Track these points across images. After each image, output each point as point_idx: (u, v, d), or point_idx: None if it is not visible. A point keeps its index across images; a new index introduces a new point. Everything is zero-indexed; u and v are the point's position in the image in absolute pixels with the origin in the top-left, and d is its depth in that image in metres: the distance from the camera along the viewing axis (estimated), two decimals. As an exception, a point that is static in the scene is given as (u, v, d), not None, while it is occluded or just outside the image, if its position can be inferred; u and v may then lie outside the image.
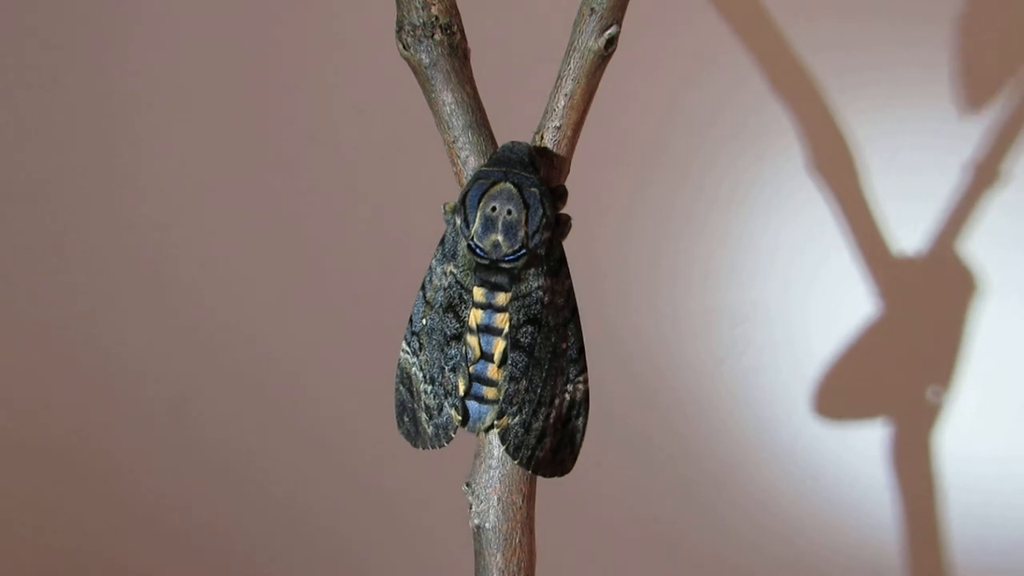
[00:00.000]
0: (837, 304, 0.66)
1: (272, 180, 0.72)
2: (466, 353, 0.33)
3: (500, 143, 0.36)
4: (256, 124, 0.72)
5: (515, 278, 0.33)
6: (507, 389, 0.33)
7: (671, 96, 0.67)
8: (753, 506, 0.68)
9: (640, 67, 0.65)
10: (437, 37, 0.35)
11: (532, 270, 0.33)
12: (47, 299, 0.75)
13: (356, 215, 0.72)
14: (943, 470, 0.65)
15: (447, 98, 0.35)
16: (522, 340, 0.33)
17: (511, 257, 0.32)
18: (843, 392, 0.66)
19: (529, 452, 0.34)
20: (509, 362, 0.33)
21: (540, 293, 0.33)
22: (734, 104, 0.66)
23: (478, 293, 0.33)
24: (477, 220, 0.32)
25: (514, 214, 0.32)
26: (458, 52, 0.35)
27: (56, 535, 0.77)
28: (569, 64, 0.34)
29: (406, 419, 0.36)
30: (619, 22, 0.34)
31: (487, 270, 0.33)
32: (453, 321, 0.34)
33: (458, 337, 0.34)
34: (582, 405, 0.35)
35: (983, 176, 0.62)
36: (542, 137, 0.35)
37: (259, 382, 0.74)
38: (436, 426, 0.35)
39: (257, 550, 0.75)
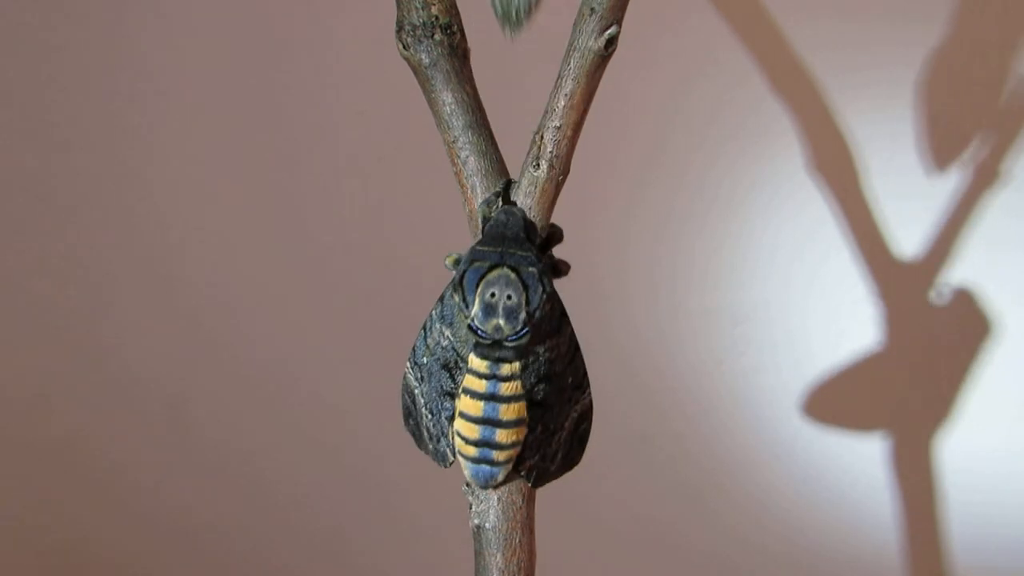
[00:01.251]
0: (837, 304, 0.66)
1: (272, 180, 0.72)
2: (459, 412, 0.33)
3: (500, 143, 0.36)
4: (256, 124, 0.72)
5: (520, 350, 0.32)
6: (527, 439, 0.33)
7: (671, 96, 0.67)
8: (753, 506, 0.68)
9: (640, 67, 0.65)
10: (437, 37, 0.35)
11: (535, 337, 0.32)
12: (46, 297, 0.75)
13: (356, 215, 0.72)
14: (943, 470, 0.65)
15: (447, 98, 0.35)
16: (536, 398, 0.33)
17: (514, 338, 0.32)
18: (842, 393, 0.66)
19: (544, 476, 0.34)
20: (528, 417, 0.33)
21: (547, 355, 0.33)
22: (734, 104, 0.66)
23: (480, 365, 0.32)
24: (476, 305, 0.32)
25: (514, 299, 0.31)
26: (458, 52, 0.35)
27: (56, 534, 0.77)
28: (569, 64, 0.34)
29: (411, 422, 0.36)
30: (619, 22, 0.34)
31: (490, 347, 0.32)
32: (449, 380, 0.34)
33: (452, 395, 0.33)
34: (588, 412, 0.35)
35: (983, 176, 0.62)
36: (542, 137, 0.35)
37: (258, 383, 0.74)
38: (436, 450, 0.35)
39: (256, 549, 0.75)
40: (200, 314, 0.74)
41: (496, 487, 0.34)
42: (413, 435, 0.36)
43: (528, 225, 0.33)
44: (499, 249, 0.32)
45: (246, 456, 0.75)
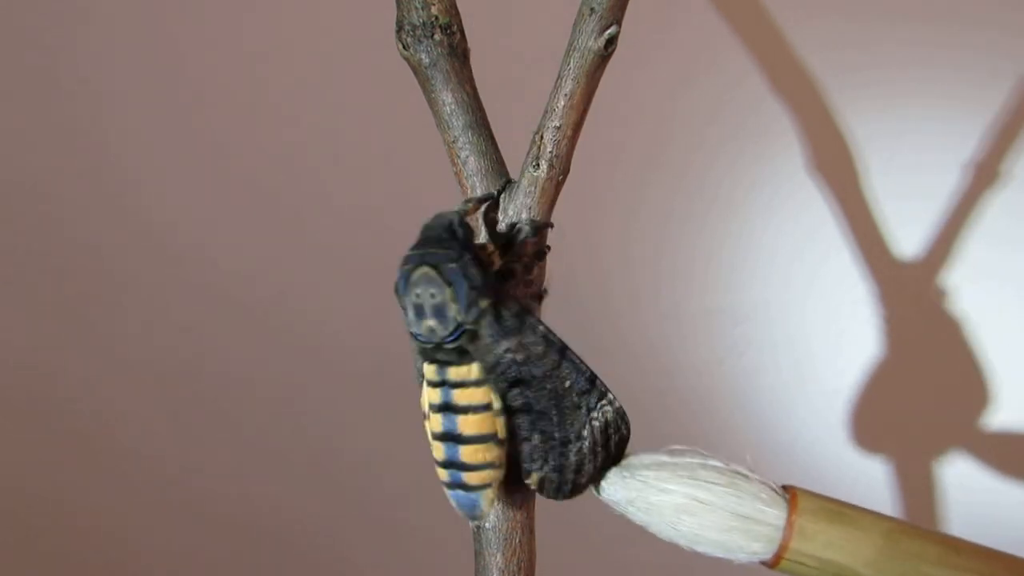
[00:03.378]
0: (837, 304, 0.66)
1: (271, 180, 0.72)
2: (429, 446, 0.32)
3: (500, 143, 0.36)
4: (256, 123, 0.72)
5: (466, 352, 0.31)
6: (523, 451, 0.32)
7: (670, 96, 0.67)
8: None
9: (640, 67, 0.65)
10: (437, 37, 0.35)
11: (488, 339, 0.31)
12: (54, 285, 0.75)
13: (355, 216, 0.72)
14: (944, 472, 0.65)
15: (447, 98, 0.35)
16: (515, 404, 0.32)
17: (450, 339, 0.31)
18: (857, 404, 0.66)
19: (570, 487, 0.33)
20: (516, 426, 0.32)
21: (510, 356, 0.32)
22: (734, 104, 0.66)
23: (429, 371, 0.32)
24: (409, 309, 0.31)
25: (438, 296, 0.30)
26: (458, 52, 0.35)
27: (63, 521, 0.77)
28: (569, 64, 0.34)
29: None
30: (619, 22, 0.34)
31: (434, 351, 0.32)
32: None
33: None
34: (618, 422, 0.34)
35: (983, 176, 0.62)
36: (542, 137, 0.35)
37: (258, 385, 0.74)
38: None
39: (256, 550, 0.75)
40: (200, 316, 0.74)
41: (482, 518, 0.33)
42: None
43: (452, 224, 0.32)
44: (420, 251, 0.31)
45: (245, 456, 0.75)
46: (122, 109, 0.73)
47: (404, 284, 0.31)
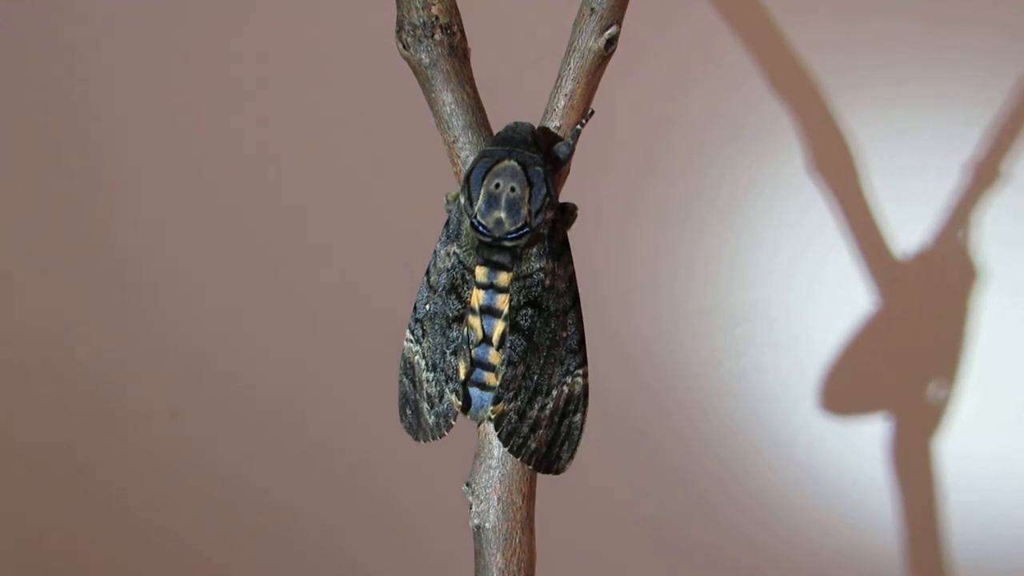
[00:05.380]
0: (837, 304, 0.66)
1: (269, 181, 0.72)
2: (468, 335, 0.34)
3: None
4: (254, 124, 0.72)
5: (517, 257, 0.33)
6: (504, 373, 0.33)
7: (670, 96, 0.67)
8: (754, 506, 0.68)
9: (639, 67, 0.65)
10: (437, 37, 0.35)
11: (534, 251, 0.33)
12: (27, 318, 0.75)
13: (354, 216, 0.72)
14: (943, 470, 0.65)
15: (447, 98, 0.35)
16: (522, 322, 0.33)
17: (513, 235, 0.32)
18: (844, 391, 0.66)
19: (520, 440, 0.34)
20: (508, 345, 0.33)
21: (541, 275, 0.33)
22: (734, 104, 0.66)
23: (480, 272, 0.33)
24: (481, 197, 0.32)
25: (517, 191, 0.32)
26: (458, 52, 0.35)
27: (40, 556, 0.77)
28: (569, 64, 0.34)
29: (408, 412, 0.36)
30: (619, 22, 0.34)
31: (489, 248, 0.33)
32: (455, 302, 0.34)
33: (460, 319, 0.34)
34: (580, 400, 0.34)
35: (983, 176, 0.62)
36: (542, 136, 0.35)
37: (255, 384, 0.74)
38: (437, 415, 0.35)
39: (256, 550, 0.75)
40: (190, 325, 0.74)
41: (482, 420, 0.34)
42: (410, 427, 0.36)
43: (535, 134, 0.33)
44: (507, 148, 0.33)
45: (243, 458, 0.75)
46: (117, 120, 0.73)
47: (483, 172, 0.32)
